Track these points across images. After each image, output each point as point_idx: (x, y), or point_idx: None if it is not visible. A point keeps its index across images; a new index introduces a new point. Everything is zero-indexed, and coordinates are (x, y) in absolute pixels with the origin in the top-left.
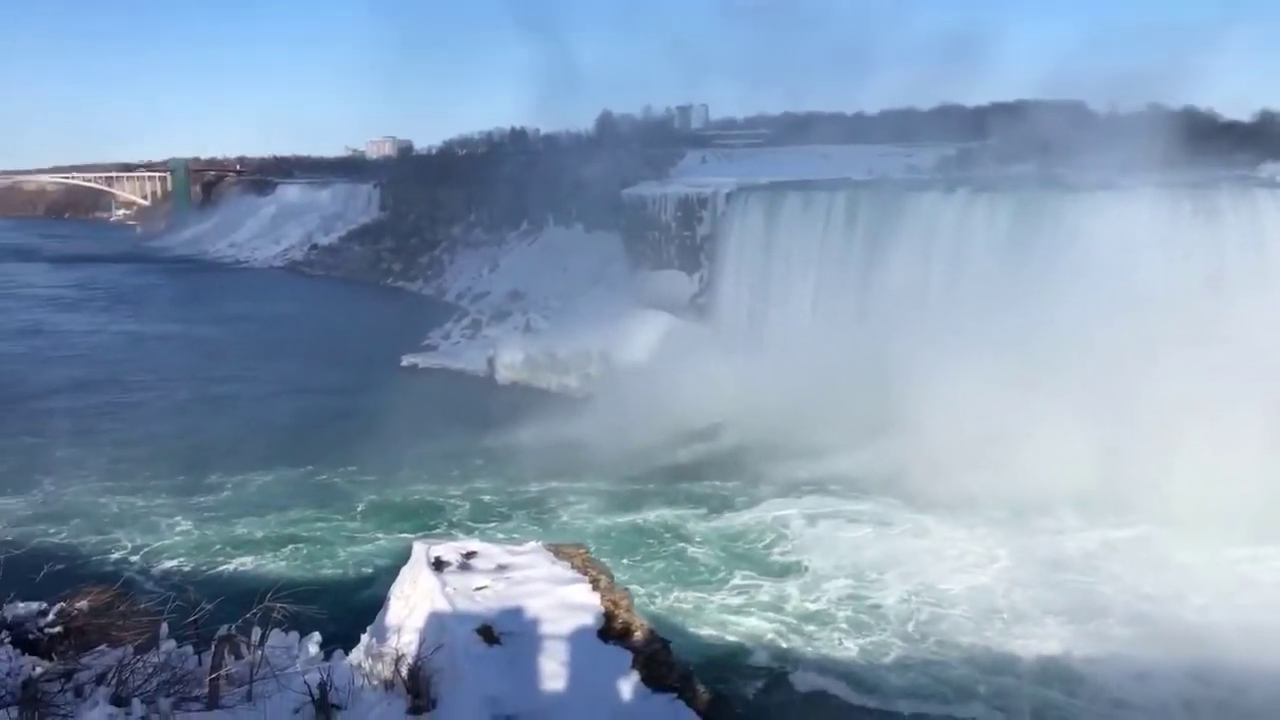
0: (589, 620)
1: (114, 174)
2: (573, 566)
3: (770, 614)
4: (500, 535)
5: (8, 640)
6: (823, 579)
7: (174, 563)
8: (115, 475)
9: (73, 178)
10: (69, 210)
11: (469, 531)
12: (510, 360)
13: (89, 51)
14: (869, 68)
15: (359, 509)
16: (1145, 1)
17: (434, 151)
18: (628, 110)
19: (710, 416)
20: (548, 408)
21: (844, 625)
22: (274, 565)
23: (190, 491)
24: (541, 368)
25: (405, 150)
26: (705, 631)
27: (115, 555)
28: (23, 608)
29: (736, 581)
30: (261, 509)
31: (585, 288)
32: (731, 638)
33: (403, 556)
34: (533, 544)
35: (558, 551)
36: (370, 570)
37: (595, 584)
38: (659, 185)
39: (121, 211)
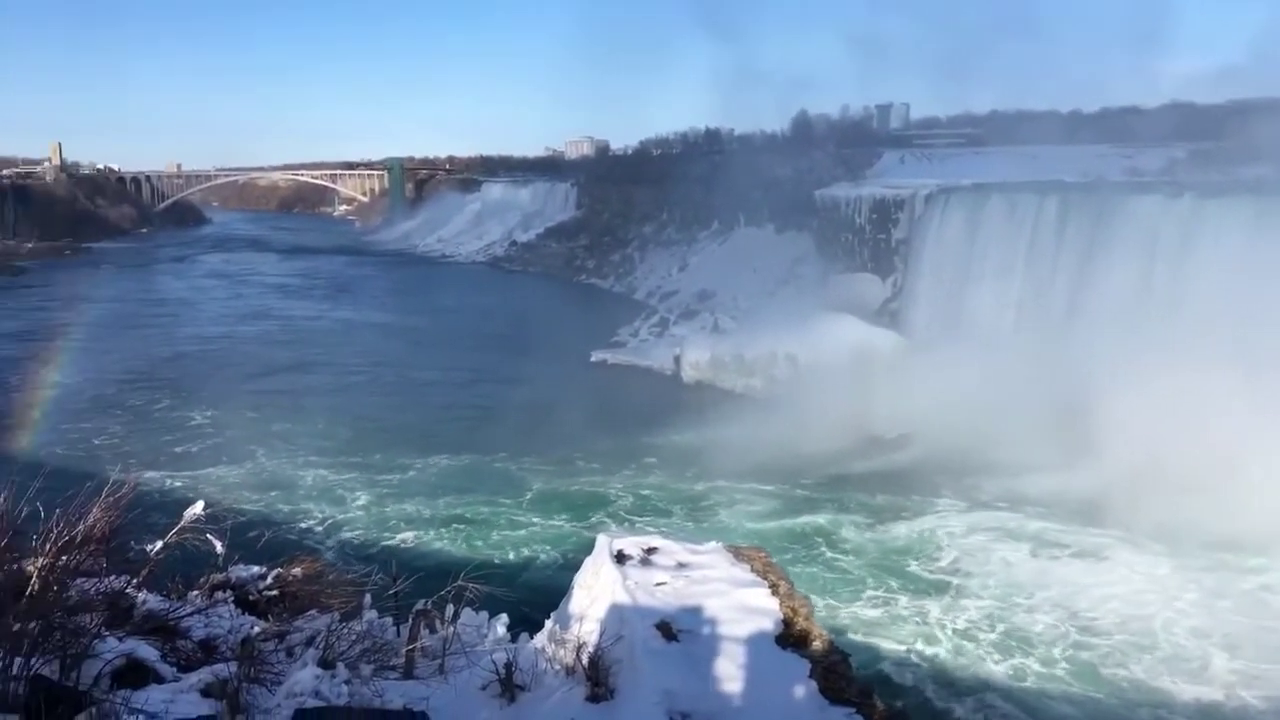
0: (767, 625)
1: (337, 172)
2: (752, 570)
3: (909, 629)
4: (650, 529)
5: (231, 600)
6: (973, 598)
7: (351, 534)
8: (317, 450)
9: (301, 175)
10: (298, 205)
11: (622, 523)
12: (696, 359)
13: (319, 59)
14: (1088, 61)
15: (527, 497)
16: None
17: (629, 151)
18: (824, 110)
19: (897, 426)
20: (730, 409)
21: (990, 648)
22: (439, 544)
23: (379, 469)
24: (727, 368)
25: (602, 150)
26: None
27: (304, 524)
28: (245, 571)
29: (878, 593)
30: (438, 490)
31: (774, 289)
32: (866, 651)
33: (564, 543)
34: (713, 544)
35: (738, 553)
36: (530, 554)
37: (774, 589)
38: (854, 186)
39: (343, 207)
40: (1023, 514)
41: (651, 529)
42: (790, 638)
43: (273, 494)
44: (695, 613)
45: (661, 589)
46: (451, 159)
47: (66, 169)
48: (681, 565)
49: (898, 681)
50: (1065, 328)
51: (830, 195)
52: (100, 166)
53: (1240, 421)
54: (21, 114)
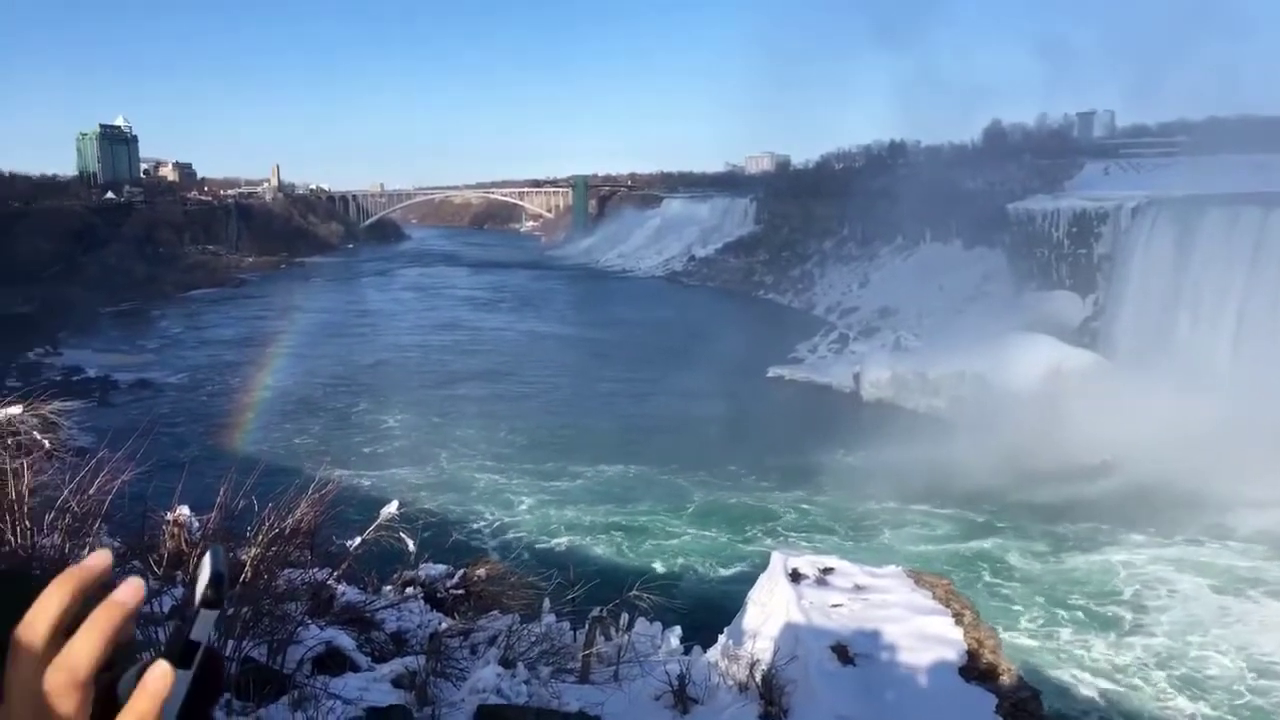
0: (950, 655)
1: (525, 189)
2: (934, 596)
3: (1075, 664)
4: (804, 545)
5: (420, 596)
6: (1148, 634)
7: (516, 536)
8: (495, 456)
9: (492, 193)
10: (488, 221)
11: (781, 538)
12: (877, 377)
13: (509, 82)
14: None
15: (693, 509)
16: None
17: (810, 166)
18: (1020, 119)
19: (1094, 453)
20: (910, 429)
21: (1165, 687)
22: (603, 550)
23: (550, 475)
24: (909, 387)
25: (782, 165)
26: None
27: (475, 525)
28: (434, 569)
29: (1047, 625)
30: (605, 498)
31: (961, 306)
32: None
33: (730, 557)
34: (892, 568)
35: (919, 579)
36: (696, 566)
37: (959, 618)
38: (1051, 199)
39: (529, 223)
40: (1226, 550)
41: (825, 549)
42: (975, 670)
43: (449, 495)
44: (873, 637)
45: (838, 610)
46: (633, 175)
47: (283, 189)
48: (859, 587)
49: None
50: None
51: (1025, 208)
52: (313, 186)
53: None
54: (247, 139)
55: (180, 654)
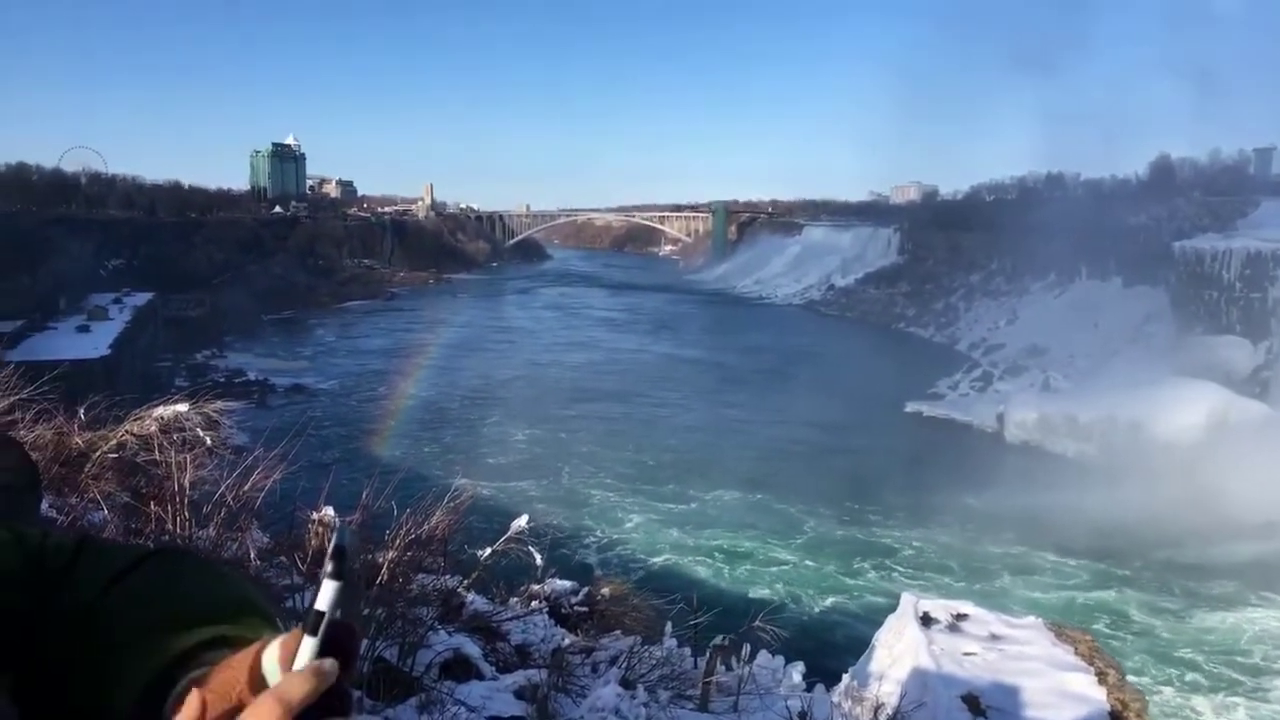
0: (1090, 714)
1: (665, 214)
2: (1076, 652)
3: None
4: (917, 585)
5: (545, 610)
6: None
7: (621, 553)
8: (615, 474)
9: (633, 216)
10: (628, 244)
11: (885, 573)
12: (1022, 418)
13: (653, 106)
14: None
15: (809, 541)
16: None
17: (959, 196)
18: (1189, 154)
19: (1260, 512)
20: (1054, 474)
21: None
22: (702, 574)
23: (666, 498)
24: (1057, 430)
25: (929, 195)
26: None
27: (585, 541)
28: (559, 584)
29: (1177, 688)
30: (715, 523)
31: (1118, 347)
32: None
33: (850, 594)
34: (1031, 619)
35: (1060, 632)
36: (809, 601)
37: (1102, 677)
38: (1223, 238)
39: (668, 247)
40: None
41: (942, 590)
42: None
43: (565, 510)
44: (1008, 691)
45: (970, 659)
46: (774, 202)
47: (435, 207)
48: (994, 636)
49: None
50: None
51: (1193, 247)
52: (463, 205)
53: None
54: (404, 158)
55: (312, 622)
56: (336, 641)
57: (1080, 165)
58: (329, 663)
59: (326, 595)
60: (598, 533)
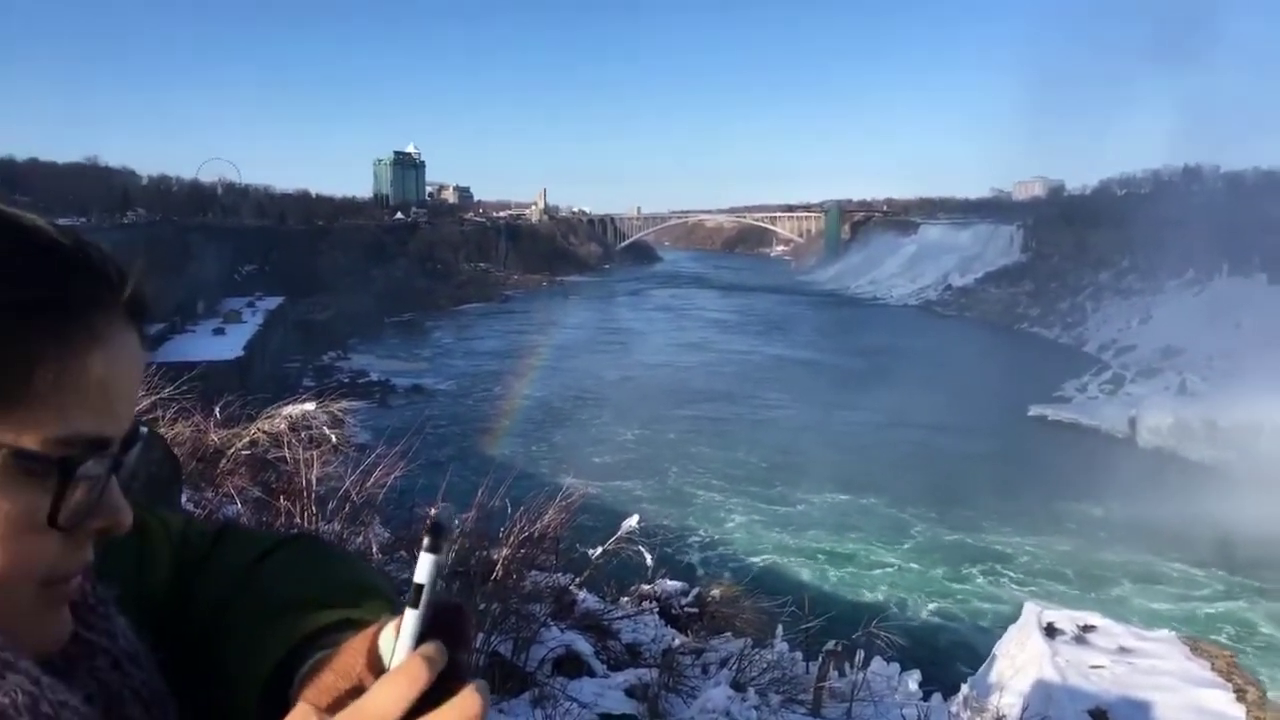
0: None
1: (777, 214)
2: (1213, 669)
3: None
4: (1031, 592)
5: (655, 610)
6: None
7: (728, 551)
8: (721, 475)
9: (744, 217)
10: (739, 245)
11: (1002, 584)
12: (1156, 423)
13: (763, 104)
14: None
15: (918, 546)
16: None
17: (1088, 191)
18: None
19: None
20: (1191, 481)
21: None
22: (807, 579)
23: (768, 500)
24: (1194, 436)
25: (1055, 190)
26: None
27: (688, 540)
28: (669, 585)
29: None
30: (820, 525)
31: (1263, 349)
32: None
33: (960, 601)
34: (1165, 632)
35: (1195, 646)
36: (918, 606)
37: (1241, 694)
38: None
39: (779, 248)
40: None
41: (1057, 597)
42: None
43: (670, 509)
44: (1139, 707)
45: (1098, 672)
46: (890, 200)
47: (548, 210)
48: (1123, 650)
49: None
50: None
51: None
52: (575, 209)
53: None
54: (519, 163)
55: (413, 595)
56: (445, 623)
57: (1220, 157)
58: (434, 646)
59: (425, 568)
60: (701, 532)
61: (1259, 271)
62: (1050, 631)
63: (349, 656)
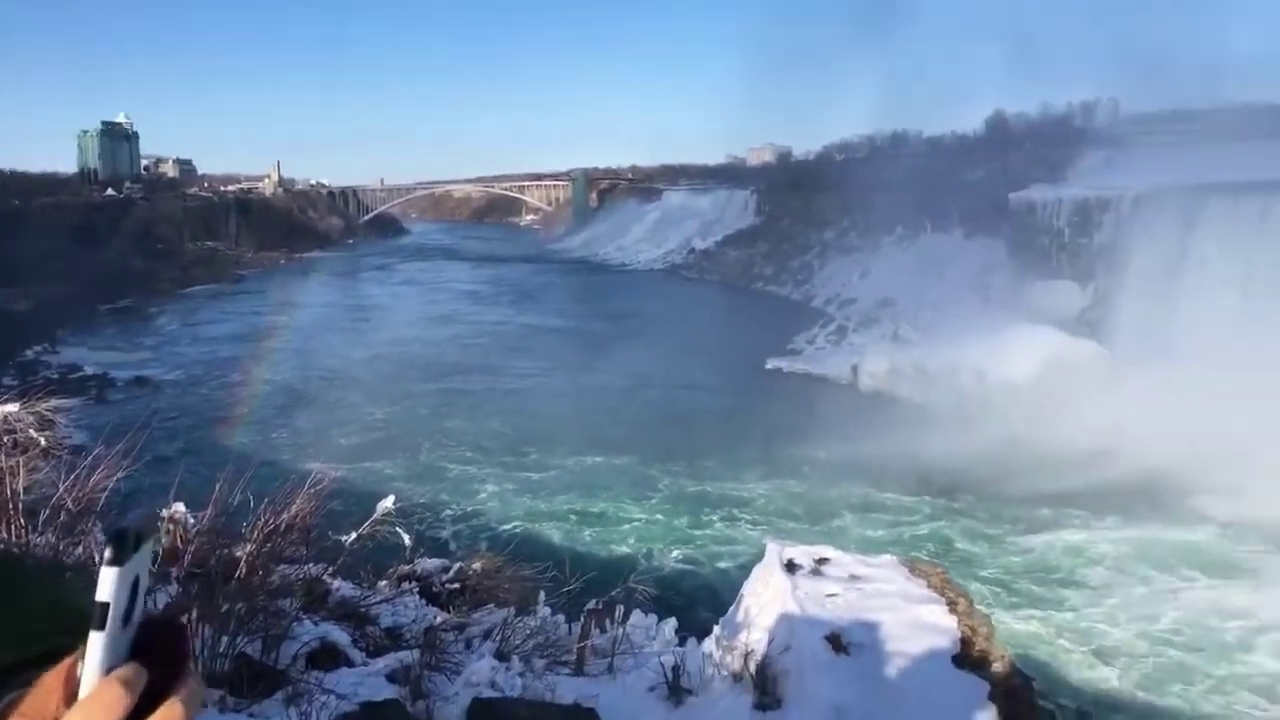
0: (944, 643)
1: (525, 183)
2: (929, 585)
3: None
4: (764, 531)
5: (416, 590)
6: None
7: (480, 522)
8: (474, 447)
9: (493, 187)
10: (488, 215)
11: (739, 527)
12: (874, 369)
13: (509, 73)
14: None
15: (670, 498)
16: None
17: (811, 157)
18: (1022, 109)
19: (1092, 444)
20: (905, 420)
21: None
22: (559, 541)
23: (523, 468)
24: (906, 379)
25: (784, 156)
26: None
27: (448, 514)
28: (430, 563)
29: (1009, 608)
30: (572, 487)
31: (961, 297)
32: None
33: (709, 546)
34: (887, 557)
35: (913, 567)
36: (679, 556)
37: (953, 606)
38: (1053, 188)
39: (529, 216)
40: (1197, 533)
41: (793, 533)
42: (968, 658)
43: (423, 485)
44: (867, 627)
45: (832, 600)
46: (634, 168)
47: (283, 184)
48: (854, 577)
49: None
50: None
51: (1026, 198)
52: (313, 182)
53: None
54: (249, 135)
55: (98, 615)
56: (157, 638)
57: (922, 123)
58: (130, 667)
59: (107, 584)
60: (457, 506)
61: (956, 227)
62: (790, 567)
63: (42, 694)
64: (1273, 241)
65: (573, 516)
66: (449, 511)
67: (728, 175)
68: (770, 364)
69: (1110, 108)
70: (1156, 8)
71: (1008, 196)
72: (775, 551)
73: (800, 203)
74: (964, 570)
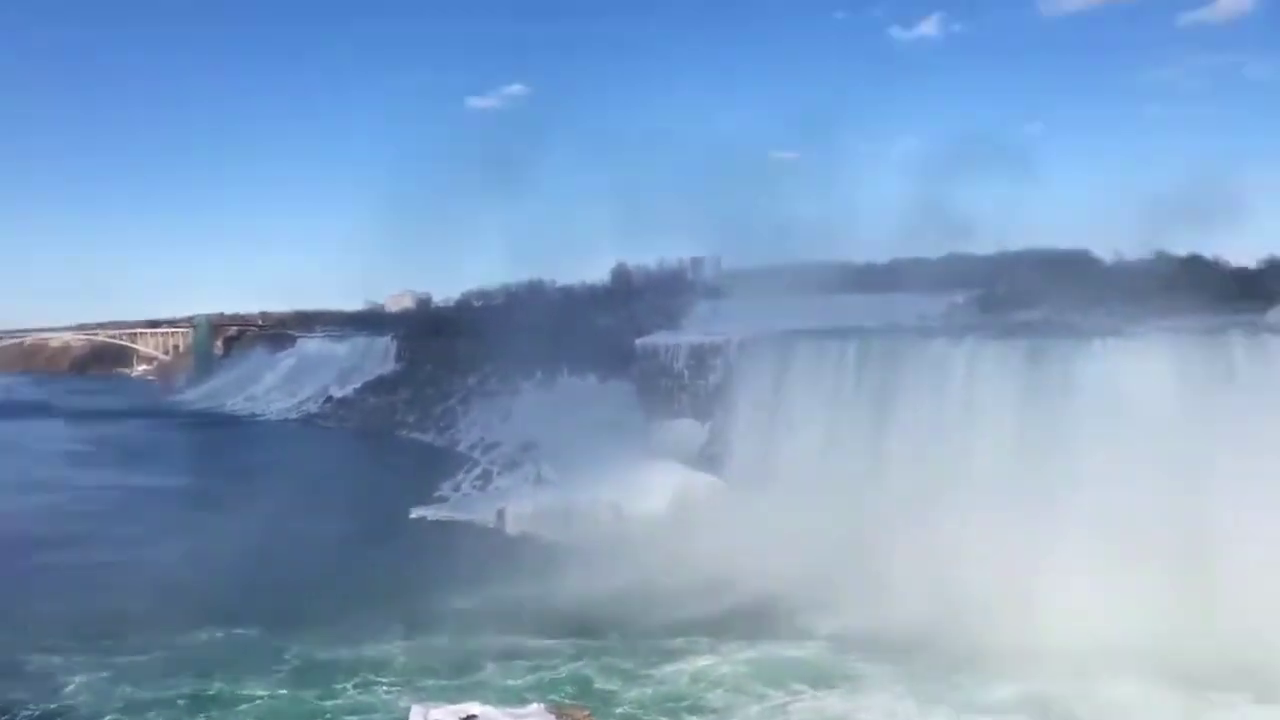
0: None
1: (138, 330)
2: None
3: None
4: (401, 692)
5: None
6: None
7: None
8: (64, 633)
9: (96, 334)
10: (93, 366)
11: (376, 691)
12: (520, 512)
13: (115, 215)
14: (875, 221)
15: (282, 671)
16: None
17: (452, 303)
18: (642, 261)
19: (719, 570)
20: (550, 561)
21: None
22: None
23: (123, 651)
24: (551, 520)
25: (424, 303)
26: None
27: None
28: None
29: None
30: (182, 669)
31: (599, 437)
32: None
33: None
34: (535, 706)
35: (560, 712)
36: None
37: None
38: (672, 335)
39: (143, 367)
40: (804, 649)
41: (435, 693)
42: None
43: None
44: None
45: None
46: (265, 314)
47: None
48: None
49: None
50: (873, 466)
51: (650, 343)
52: None
53: (1034, 549)
54: None
55: None
56: None
57: (554, 272)
58: None
59: None
60: (31, 707)
61: (590, 371)
62: None
63: None
64: (850, 378)
65: (181, 702)
66: (25, 713)
67: (366, 322)
68: (415, 513)
69: (714, 263)
70: (741, 177)
71: (635, 342)
72: (419, 714)
73: (442, 349)
74: (603, 709)
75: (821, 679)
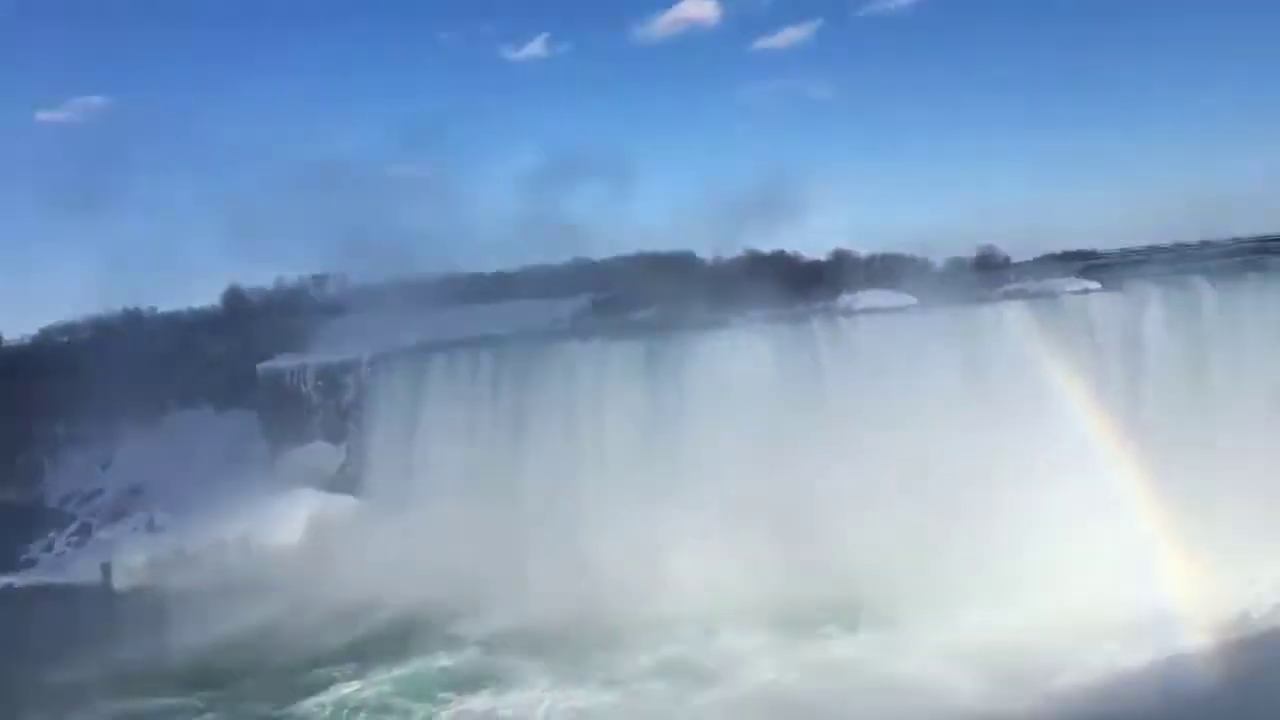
0: None
1: None
2: None
3: None
4: None
5: None
6: None
7: None
8: None
9: None
10: None
11: None
12: (128, 564)
13: None
14: (496, 231)
15: None
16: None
17: (28, 341)
18: (258, 283)
19: (363, 594)
20: (171, 612)
21: None
22: None
23: None
24: (169, 567)
25: None
26: None
27: None
28: None
29: None
30: None
31: (218, 472)
32: None
33: None
34: None
35: None
36: None
37: None
38: (298, 356)
39: None
40: (462, 659)
41: None
42: None
43: None
44: None
45: None
46: None
47: None
48: None
49: None
50: (513, 473)
51: (273, 368)
52: None
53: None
54: None
55: None
56: None
57: (155, 299)
58: None
59: None
60: None
61: (205, 403)
62: None
63: None
64: (482, 389)
65: None
66: None
67: None
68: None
69: (340, 280)
70: (360, 192)
71: (256, 367)
72: None
73: (19, 394)
74: None
75: (469, 684)
